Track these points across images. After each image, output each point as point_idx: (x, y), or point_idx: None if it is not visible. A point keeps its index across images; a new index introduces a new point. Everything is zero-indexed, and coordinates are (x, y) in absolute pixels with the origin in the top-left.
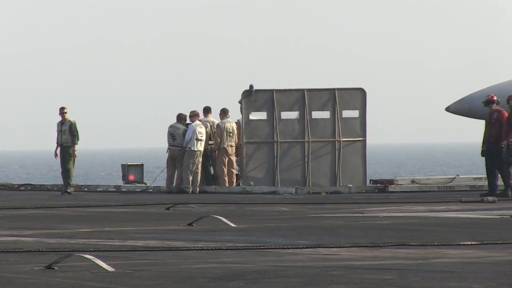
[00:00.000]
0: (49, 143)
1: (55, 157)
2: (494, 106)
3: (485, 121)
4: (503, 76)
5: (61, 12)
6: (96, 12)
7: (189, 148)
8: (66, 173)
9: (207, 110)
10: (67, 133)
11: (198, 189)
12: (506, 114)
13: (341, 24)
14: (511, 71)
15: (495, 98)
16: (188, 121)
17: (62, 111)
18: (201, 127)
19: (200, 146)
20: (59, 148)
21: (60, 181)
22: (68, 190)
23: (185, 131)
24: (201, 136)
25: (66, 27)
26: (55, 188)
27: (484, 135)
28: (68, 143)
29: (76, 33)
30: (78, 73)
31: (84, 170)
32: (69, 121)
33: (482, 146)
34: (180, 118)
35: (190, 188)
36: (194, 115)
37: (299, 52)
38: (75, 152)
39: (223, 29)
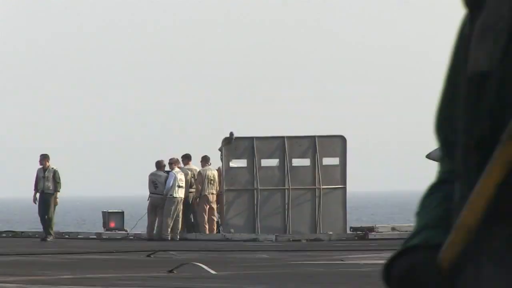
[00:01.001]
0: (21, 190)
1: (34, 202)
2: None
3: None
4: None
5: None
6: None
7: (170, 195)
8: (48, 221)
9: (187, 157)
10: (50, 180)
11: (178, 236)
12: None
13: (321, 69)
14: None
15: None
16: (167, 168)
17: (44, 158)
18: (181, 174)
19: (181, 193)
20: (38, 194)
21: (39, 227)
22: (48, 238)
23: (165, 179)
24: (182, 183)
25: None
26: (36, 235)
27: None
28: (50, 190)
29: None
30: (56, 121)
31: (65, 217)
32: (52, 168)
33: None
34: (160, 165)
35: (169, 235)
36: (173, 162)
37: (279, 98)
38: (57, 199)
39: (202, 75)
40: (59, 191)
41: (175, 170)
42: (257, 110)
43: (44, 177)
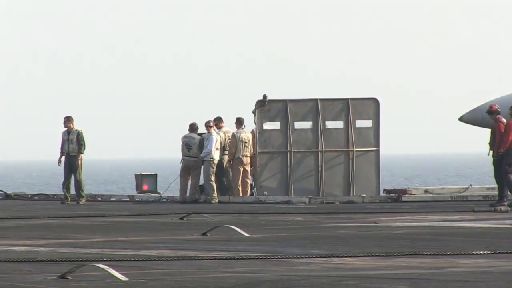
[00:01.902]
0: (51, 153)
1: (58, 165)
2: (495, 116)
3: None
4: None
5: (73, 22)
6: (111, 24)
7: (212, 158)
8: (77, 184)
9: (219, 119)
10: (74, 142)
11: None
12: (501, 126)
13: (355, 34)
14: None
15: (494, 108)
16: (203, 130)
17: (68, 120)
18: (218, 136)
19: (217, 156)
20: (63, 157)
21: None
22: (80, 201)
23: (200, 141)
24: (218, 145)
25: (71, 30)
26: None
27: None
28: (75, 152)
29: (85, 41)
30: (86, 83)
31: (98, 179)
32: (76, 130)
33: (493, 155)
34: (193, 128)
35: (216, 197)
36: (210, 124)
37: (313, 61)
38: (80, 161)
39: (237, 38)
40: (82, 153)
41: (214, 133)
42: (290, 72)
43: (68, 139)
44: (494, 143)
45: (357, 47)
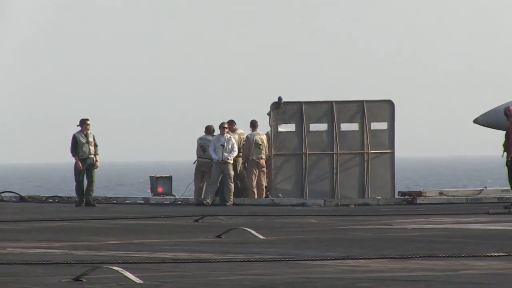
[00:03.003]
0: (57, 156)
1: (81, 169)
2: (509, 118)
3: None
4: None
5: (85, 25)
6: (124, 25)
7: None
8: (92, 185)
9: (231, 123)
10: (93, 145)
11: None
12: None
13: (370, 36)
14: None
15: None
16: (218, 132)
17: (86, 123)
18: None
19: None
20: (85, 160)
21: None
22: (91, 201)
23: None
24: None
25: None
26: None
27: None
28: (93, 154)
29: (99, 46)
30: (101, 87)
31: (113, 182)
32: (90, 132)
33: (507, 157)
34: (209, 130)
35: (231, 200)
36: (223, 127)
37: (328, 64)
38: (98, 163)
39: (252, 41)
40: (98, 154)
41: (228, 135)
42: (305, 74)
43: (88, 142)
44: (507, 145)
45: (372, 49)
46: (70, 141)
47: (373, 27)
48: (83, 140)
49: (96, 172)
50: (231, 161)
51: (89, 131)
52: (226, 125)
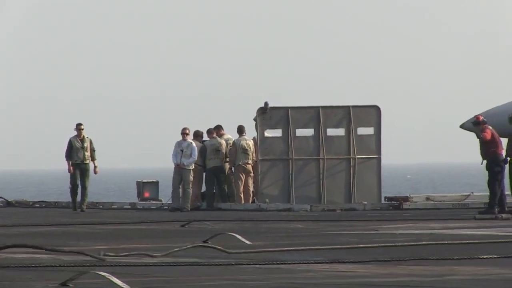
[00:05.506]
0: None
1: (69, 172)
2: (481, 127)
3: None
4: None
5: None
6: (112, 32)
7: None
8: (85, 190)
9: (219, 128)
10: (88, 150)
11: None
12: (486, 136)
13: (356, 41)
14: None
15: (480, 119)
16: (205, 138)
17: (80, 127)
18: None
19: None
20: (78, 165)
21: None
22: (84, 208)
23: (203, 148)
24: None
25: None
26: (70, 206)
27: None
28: (88, 159)
29: (89, 52)
30: (90, 92)
31: (99, 187)
32: (87, 137)
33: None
34: (197, 135)
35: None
36: (185, 133)
37: (314, 69)
38: (97, 168)
39: (238, 46)
40: (96, 159)
41: (190, 141)
42: (291, 80)
43: (83, 147)
44: (486, 152)
45: (358, 54)
46: (67, 145)
47: (359, 32)
48: (78, 145)
49: (93, 178)
50: (189, 168)
51: (85, 136)
52: (187, 131)
